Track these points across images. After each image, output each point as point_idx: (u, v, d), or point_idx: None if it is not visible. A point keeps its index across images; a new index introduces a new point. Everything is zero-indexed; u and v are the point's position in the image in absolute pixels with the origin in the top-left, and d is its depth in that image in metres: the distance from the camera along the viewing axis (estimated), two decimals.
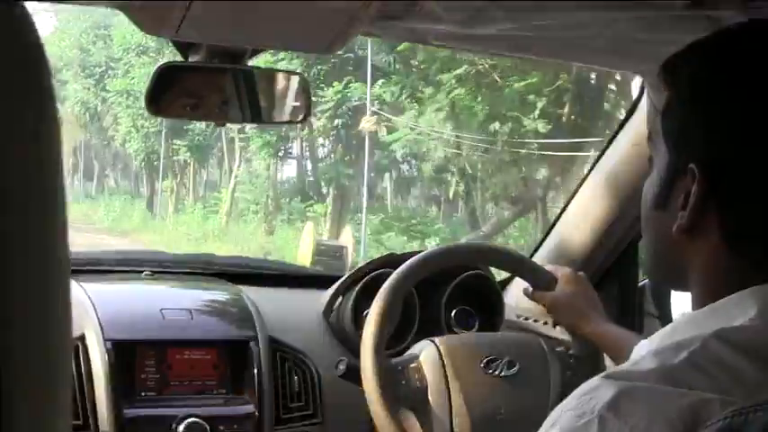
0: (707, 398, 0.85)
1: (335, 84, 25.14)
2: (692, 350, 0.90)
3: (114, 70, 35.25)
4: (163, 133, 33.71)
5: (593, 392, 0.90)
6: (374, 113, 24.88)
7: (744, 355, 0.89)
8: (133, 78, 31.06)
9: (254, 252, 23.98)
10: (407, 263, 2.11)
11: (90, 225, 33.23)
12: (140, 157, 36.17)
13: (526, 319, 2.59)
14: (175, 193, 35.92)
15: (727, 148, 0.96)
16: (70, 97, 38.37)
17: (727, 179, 0.96)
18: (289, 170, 34.94)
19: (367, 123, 24.41)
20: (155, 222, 34.10)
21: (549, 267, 2.19)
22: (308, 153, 32.21)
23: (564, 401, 0.94)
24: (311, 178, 32.22)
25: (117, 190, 43.96)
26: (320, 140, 29.29)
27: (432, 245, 20.41)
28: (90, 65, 38.22)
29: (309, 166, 32.89)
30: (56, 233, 0.54)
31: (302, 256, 21.00)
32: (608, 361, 2.07)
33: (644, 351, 0.98)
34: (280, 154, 30.61)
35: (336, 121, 26.15)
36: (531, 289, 2.18)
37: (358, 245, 23.19)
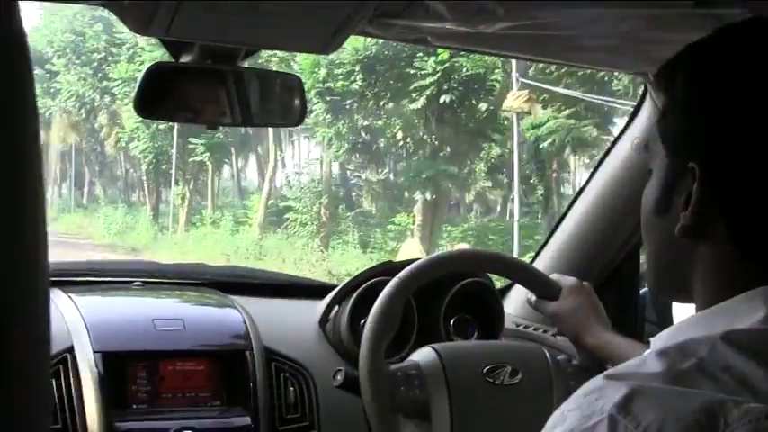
0: (719, 398, 0.84)
1: (440, 52, 18.81)
2: (701, 356, 0.89)
3: (116, 57, 29.96)
4: (175, 130, 28.21)
5: (599, 392, 0.88)
6: (524, 86, 19.02)
7: (753, 358, 0.88)
8: (142, 63, 24.51)
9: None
10: (407, 269, 2.06)
11: (87, 240, 29.15)
12: (148, 159, 30.70)
13: (526, 327, 2.55)
14: (188, 201, 30.41)
15: (727, 148, 0.95)
16: (63, 90, 32.76)
17: (729, 179, 0.95)
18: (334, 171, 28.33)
19: (516, 101, 18.74)
20: (166, 237, 29.11)
21: (553, 276, 2.14)
22: (393, 150, 25.48)
23: (566, 402, 0.91)
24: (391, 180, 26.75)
25: (115, 198, 37.95)
26: (400, 134, 22.69)
27: None
28: (86, 51, 32.36)
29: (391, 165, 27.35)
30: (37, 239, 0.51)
31: None
32: None
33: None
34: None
35: (443, 99, 20.06)
36: (534, 298, 2.13)
37: None
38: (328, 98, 21.54)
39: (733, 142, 0.95)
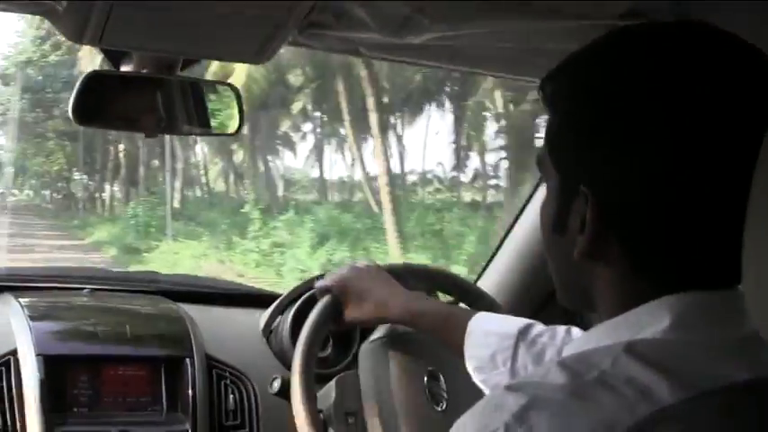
0: (617, 412, 0.84)
1: None
2: (603, 369, 0.88)
3: None
4: None
5: (499, 402, 0.88)
6: None
7: (655, 370, 0.87)
8: None
9: None
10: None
11: None
12: None
13: None
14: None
15: (615, 166, 0.93)
16: None
17: (619, 199, 0.93)
18: None
19: None
20: None
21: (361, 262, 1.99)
22: None
23: (466, 414, 0.91)
24: None
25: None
26: None
27: None
28: None
29: None
30: None
31: None
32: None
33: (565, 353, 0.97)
34: None
35: None
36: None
37: None
38: None
39: (621, 162, 0.92)
